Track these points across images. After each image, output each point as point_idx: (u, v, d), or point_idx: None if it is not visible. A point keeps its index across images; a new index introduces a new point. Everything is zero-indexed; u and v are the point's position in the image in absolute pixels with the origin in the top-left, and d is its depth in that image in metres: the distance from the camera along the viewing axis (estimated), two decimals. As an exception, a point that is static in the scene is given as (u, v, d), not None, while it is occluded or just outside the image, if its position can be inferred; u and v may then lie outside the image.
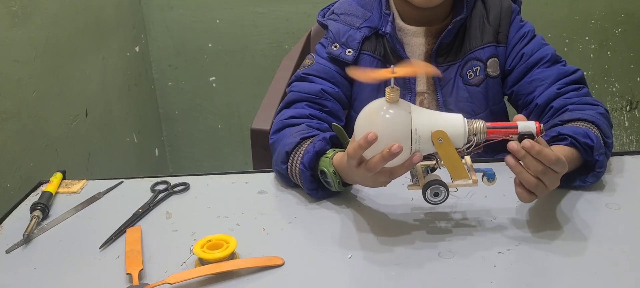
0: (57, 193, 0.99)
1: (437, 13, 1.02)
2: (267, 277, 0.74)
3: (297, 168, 0.89)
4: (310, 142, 0.89)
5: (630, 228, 0.79)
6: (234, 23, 1.93)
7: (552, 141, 0.86)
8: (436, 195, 0.76)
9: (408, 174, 0.80)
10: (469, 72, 1.02)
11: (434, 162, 0.79)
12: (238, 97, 2.04)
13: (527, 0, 1.81)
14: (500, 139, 0.75)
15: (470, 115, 1.02)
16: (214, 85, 2.04)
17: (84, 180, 1.03)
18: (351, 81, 1.06)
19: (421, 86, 1.05)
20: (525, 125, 0.74)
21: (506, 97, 1.09)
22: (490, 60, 1.02)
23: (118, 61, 1.79)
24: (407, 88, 1.04)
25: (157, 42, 1.99)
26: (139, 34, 1.93)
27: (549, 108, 0.96)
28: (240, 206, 0.91)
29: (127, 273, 0.75)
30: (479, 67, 1.02)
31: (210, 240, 0.77)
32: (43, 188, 1.00)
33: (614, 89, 1.94)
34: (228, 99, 2.05)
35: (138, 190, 0.98)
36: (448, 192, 0.76)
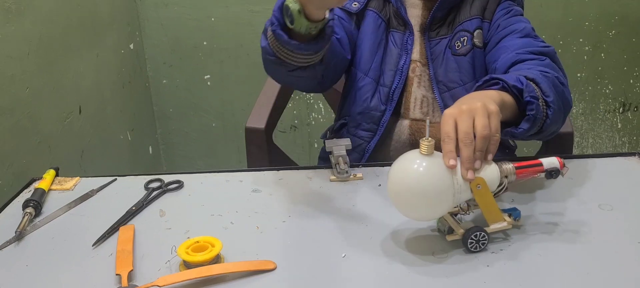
0: (50, 190, 0.99)
1: None
2: (261, 279, 0.74)
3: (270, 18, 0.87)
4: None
5: (622, 229, 0.79)
6: (230, 21, 1.93)
7: (483, 86, 0.84)
8: (478, 242, 0.75)
9: (433, 224, 0.80)
10: (457, 43, 1.05)
11: (457, 209, 0.78)
12: (233, 95, 2.04)
13: (522, 2, 1.83)
14: (529, 177, 0.78)
15: (458, 85, 1.05)
16: (208, 83, 2.04)
17: (77, 178, 1.02)
18: (357, 29, 1.10)
19: (415, 55, 1.09)
20: (549, 161, 0.79)
21: None
22: (477, 31, 1.05)
23: (112, 58, 1.78)
24: (404, 50, 1.08)
25: (152, 40, 1.98)
26: (133, 31, 1.92)
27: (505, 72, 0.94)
28: (234, 204, 0.91)
29: (117, 274, 0.74)
30: (466, 38, 1.05)
31: (197, 242, 0.77)
32: (36, 185, 0.99)
33: (607, 91, 1.95)
34: (223, 97, 2.05)
35: (132, 187, 0.98)
36: (488, 236, 0.76)
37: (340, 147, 0.99)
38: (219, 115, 2.08)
